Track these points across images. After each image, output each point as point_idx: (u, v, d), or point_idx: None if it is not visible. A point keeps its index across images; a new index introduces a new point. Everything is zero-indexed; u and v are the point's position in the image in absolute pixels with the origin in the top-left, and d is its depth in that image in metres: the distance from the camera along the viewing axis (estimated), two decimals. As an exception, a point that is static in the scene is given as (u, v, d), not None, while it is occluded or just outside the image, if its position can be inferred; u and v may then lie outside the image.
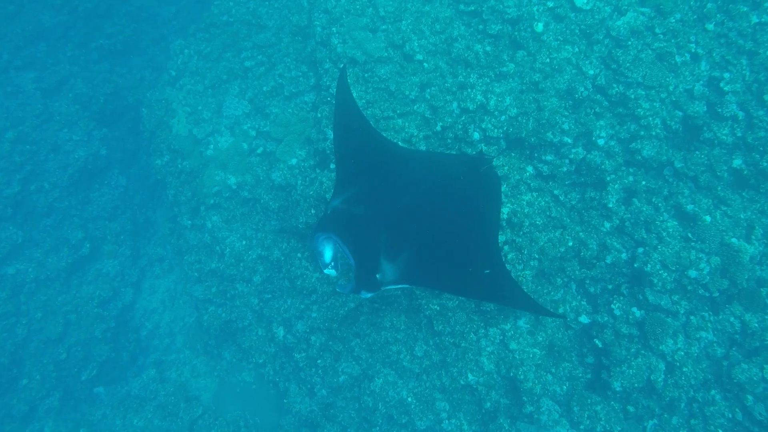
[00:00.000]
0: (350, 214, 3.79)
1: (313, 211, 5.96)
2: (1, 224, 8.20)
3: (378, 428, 6.18)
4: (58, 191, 8.26)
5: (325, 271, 3.64)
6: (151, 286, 8.47)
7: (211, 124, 7.31)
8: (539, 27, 5.93)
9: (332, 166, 6.22)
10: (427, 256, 3.81)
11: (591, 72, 5.75)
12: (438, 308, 5.65)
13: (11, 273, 8.11)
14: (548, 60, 5.85)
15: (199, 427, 7.23)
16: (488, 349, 5.66)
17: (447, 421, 5.81)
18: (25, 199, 8.24)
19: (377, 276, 3.57)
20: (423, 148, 5.83)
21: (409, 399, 5.90)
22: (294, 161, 6.59)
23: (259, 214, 6.94)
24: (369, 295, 3.62)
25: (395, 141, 5.80)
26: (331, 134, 6.20)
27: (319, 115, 6.48)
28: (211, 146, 7.23)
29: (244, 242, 6.95)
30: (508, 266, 5.49)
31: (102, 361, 7.83)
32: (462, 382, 5.69)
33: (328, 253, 3.62)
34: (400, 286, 3.78)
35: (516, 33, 6.02)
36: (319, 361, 6.43)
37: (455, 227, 4.08)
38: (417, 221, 3.94)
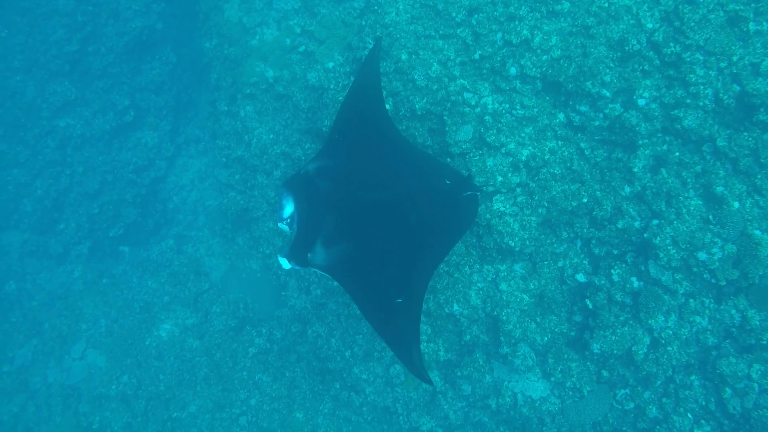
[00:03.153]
0: (315, 185, 3.80)
1: (337, 117, 6.00)
2: (59, 79, 8.67)
3: (362, 336, 6.49)
4: (112, 56, 8.57)
5: (279, 224, 3.70)
6: (184, 164, 8.87)
7: (261, 15, 7.30)
8: (608, -34, 5.50)
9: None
10: (358, 258, 3.69)
11: (649, 25, 5.34)
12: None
13: (62, 126, 8.67)
14: (606, 5, 5.46)
15: (203, 300, 7.80)
16: (479, 284, 5.74)
17: (425, 344, 5.99)
18: (82, 59, 8.62)
19: (308, 255, 3.57)
20: (457, 73, 5.68)
21: (394, 315, 6.11)
22: (331, 65, 6.57)
23: (289, 111, 7.05)
24: (297, 267, 3.63)
25: (431, 62, 5.67)
26: (371, 44, 6.11)
27: (364, 23, 6.37)
28: (257, 37, 7.26)
29: (271, 136, 7.12)
30: (515, 208, 5.46)
31: (129, 223, 8.42)
32: (447, 311, 5.82)
33: (287, 209, 3.68)
34: (324, 274, 3.71)
35: (582, -31, 5.62)
36: (318, 263, 6.69)
37: (399, 242, 3.85)
38: (368, 220, 3.85)
